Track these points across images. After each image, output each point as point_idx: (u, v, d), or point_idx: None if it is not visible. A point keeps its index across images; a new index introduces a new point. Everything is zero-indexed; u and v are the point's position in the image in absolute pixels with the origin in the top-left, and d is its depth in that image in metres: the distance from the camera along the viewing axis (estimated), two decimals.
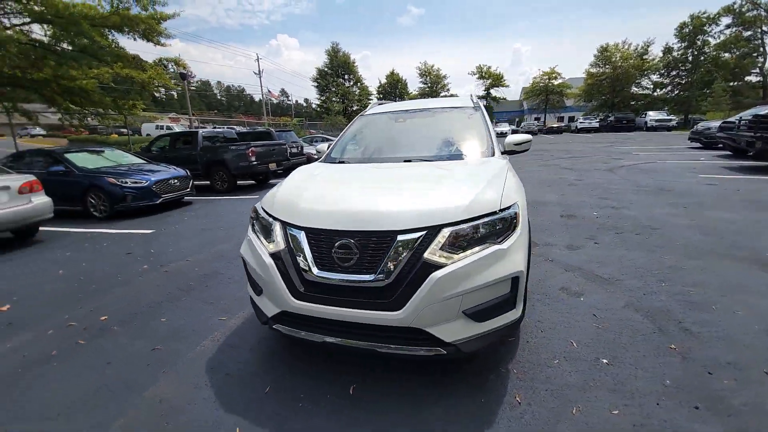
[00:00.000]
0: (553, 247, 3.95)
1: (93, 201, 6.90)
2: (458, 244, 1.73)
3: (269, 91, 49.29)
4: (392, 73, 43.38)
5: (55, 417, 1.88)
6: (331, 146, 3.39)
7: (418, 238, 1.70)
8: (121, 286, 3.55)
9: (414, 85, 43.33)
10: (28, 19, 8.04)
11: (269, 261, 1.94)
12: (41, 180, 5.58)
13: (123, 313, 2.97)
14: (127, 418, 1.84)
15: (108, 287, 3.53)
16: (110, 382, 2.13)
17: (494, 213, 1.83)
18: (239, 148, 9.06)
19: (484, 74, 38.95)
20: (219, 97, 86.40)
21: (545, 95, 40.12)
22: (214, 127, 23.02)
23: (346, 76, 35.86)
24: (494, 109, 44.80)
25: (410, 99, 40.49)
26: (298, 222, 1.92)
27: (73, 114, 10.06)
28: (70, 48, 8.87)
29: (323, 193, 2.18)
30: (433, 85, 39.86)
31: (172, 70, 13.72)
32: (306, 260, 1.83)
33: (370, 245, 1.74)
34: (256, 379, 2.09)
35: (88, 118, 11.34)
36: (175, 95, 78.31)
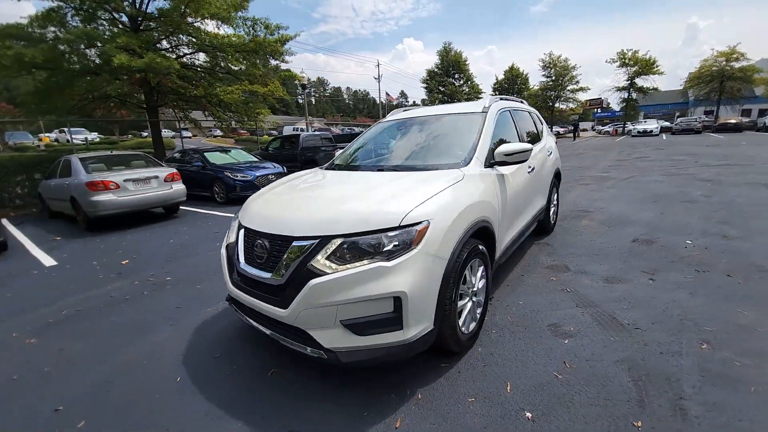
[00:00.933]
0: (585, 275, 3.31)
1: (216, 189, 8.90)
2: (346, 255, 1.78)
3: (387, 94, 52.44)
4: (512, 67, 40.28)
5: (106, 333, 2.73)
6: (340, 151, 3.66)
7: (310, 245, 1.83)
8: (194, 256, 4.63)
9: (536, 78, 39.44)
10: (190, 50, 10.85)
11: (222, 251, 2.36)
12: (190, 170, 7.60)
13: (182, 276, 3.92)
14: (146, 341, 2.53)
15: (189, 255, 4.65)
16: (140, 319, 2.93)
17: (391, 228, 1.80)
18: (328, 148, 10.24)
19: (627, 61, 32.18)
20: (347, 101, 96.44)
21: (719, 82, 30.72)
22: (316, 130, 25.95)
23: (456, 75, 35.08)
24: (640, 102, 36.85)
25: (530, 94, 37.08)
26: (242, 221, 2.28)
27: (221, 120, 13.05)
28: (218, 71, 11.54)
29: (272, 197, 2.49)
30: (559, 77, 35.05)
31: (306, 77, 16.31)
32: (237, 254, 2.17)
33: (275, 247, 1.96)
34: (217, 346, 2.55)
35: (233, 123, 14.45)
36: (313, 101, 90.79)
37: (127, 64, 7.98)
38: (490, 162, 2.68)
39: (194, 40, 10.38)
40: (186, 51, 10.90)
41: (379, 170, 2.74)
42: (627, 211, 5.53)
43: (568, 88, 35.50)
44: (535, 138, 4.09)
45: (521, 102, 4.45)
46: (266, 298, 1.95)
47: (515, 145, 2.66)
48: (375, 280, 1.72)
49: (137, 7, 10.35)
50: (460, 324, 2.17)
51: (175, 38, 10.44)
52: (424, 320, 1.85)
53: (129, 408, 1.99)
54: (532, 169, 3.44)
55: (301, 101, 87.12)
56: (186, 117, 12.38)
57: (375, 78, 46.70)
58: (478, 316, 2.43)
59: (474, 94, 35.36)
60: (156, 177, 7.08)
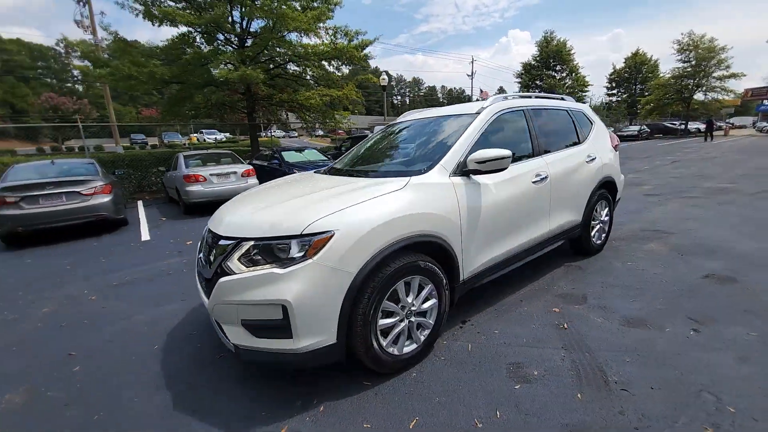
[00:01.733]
0: (601, 312, 2.68)
1: None
2: (254, 258, 1.85)
3: (481, 91, 50.10)
4: (636, 53, 33.94)
5: (138, 299, 3.38)
6: None
7: (229, 245, 1.96)
8: None
9: (669, 64, 32.21)
10: (281, 60, 12.22)
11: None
12: (270, 167, 8.70)
13: None
14: (157, 310, 3.08)
15: None
16: (166, 291, 3.51)
17: (293, 236, 1.80)
18: None
19: None
20: (441, 100, 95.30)
21: None
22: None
23: (558, 67, 30.98)
24: None
25: (658, 84, 30.57)
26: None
27: (306, 122, 14.43)
28: (303, 77, 12.76)
29: (238, 198, 2.69)
30: (700, 62, 27.54)
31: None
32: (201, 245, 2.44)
33: (211, 244, 2.14)
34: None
35: (317, 124, 15.82)
36: (408, 101, 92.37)
37: (226, 77, 9.48)
38: (463, 170, 2.41)
39: (285, 51, 11.67)
40: (279, 61, 12.34)
41: (349, 175, 2.72)
42: (723, 237, 4.23)
43: (714, 75, 27.93)
44: (569, 142, 3.47)
45: (562, 98, 3.83)
46: (203, 290, 2.16)
47: (489, 152, 2.33)
48: (266, 286, 1.75)
49: (243, 28, 12.16)
50: (385, 344, 2.03)
51: (269, 51, 11.93)
52: (320, 333, 1.80)
53: (108, 360, 2.44)
54: (543, 179, 2.93)
55: (396, 102, 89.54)
56: (278, 119, 14.03)
57: (468, 75, 45.15)
58: (422, 338, 2.23)
59: (579, 87, 30.94)
60: (235, 172, 8.28)
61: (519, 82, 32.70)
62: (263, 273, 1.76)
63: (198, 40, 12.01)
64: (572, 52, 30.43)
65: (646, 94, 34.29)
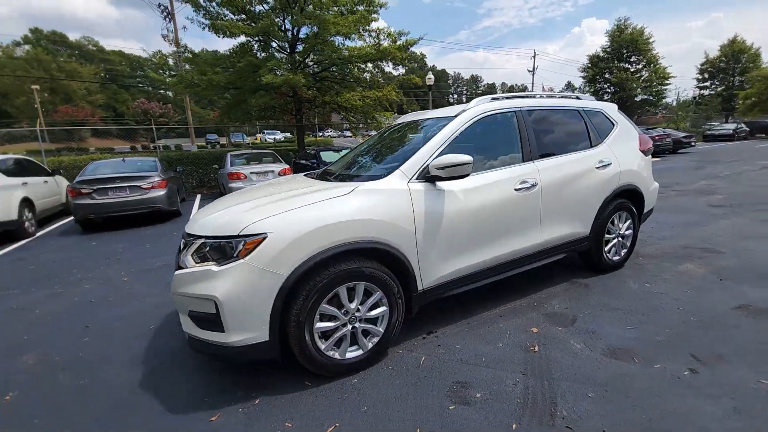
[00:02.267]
0: (586, 337, 2.39)
1: None
2: (203, 254, 2.00)
3: (543, 88, 46.88)
4: (734, 40, 28.90)
5: (159, 285, 3.83)
6: None
7: (188, 241, 2.14)
8: None
9: None
10: (326, 64, 12.70)
11: None
12: (309, 166, 9.23)
13: None
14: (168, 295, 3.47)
15: None
16: None
17: (232, 237, 1.91)
18: None
19: None
20: None
21: None
22: None
23: (632, 59, 27.32)
24: None
25: (760, 76, 25.61)
26: None
27: (350, 122, 14.86)
28: (347, 79, 13.13)
29: (222, 198, 2.88)
30: None
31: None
32: None
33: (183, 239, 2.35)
34: None
35: (360, 125, 16.18)
36: (465, 99, 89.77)
37: (272, 81, 10.16)
38: (427, 176, 2.32)
39: (329, 54, 12.14)
40: (326, 64, 12.88)
41: (325, 179, 2.77)
42: None
43: None
44: (576, 146, 3.14)
45: (577, 97, 3.47)
46: None
47: (448, 157, 2.22)
48: (203, 281, 1.88)
49: (293, 34, 12.88)
50: (323, 347, 2.05)
51: (316, 55, 12.50)
52: (251, 330, 1.88)
53: (111, 335, 2.81)
54: (530, 186, 2.69)
55: (452, 100, 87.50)
56: (326, 120, 14.64)
57: (529, 71, 42.68)
58: (369, 345, 2.20)
59: (658, 80, 27.16)
60: (272, 171, 8.85)
61: (584, 77, 29.73)
62: (203, 269, 1.90)
63: (256, 48, 13.01)
64: (651, 40, 26.72)
65: (746, 87, 29.06)
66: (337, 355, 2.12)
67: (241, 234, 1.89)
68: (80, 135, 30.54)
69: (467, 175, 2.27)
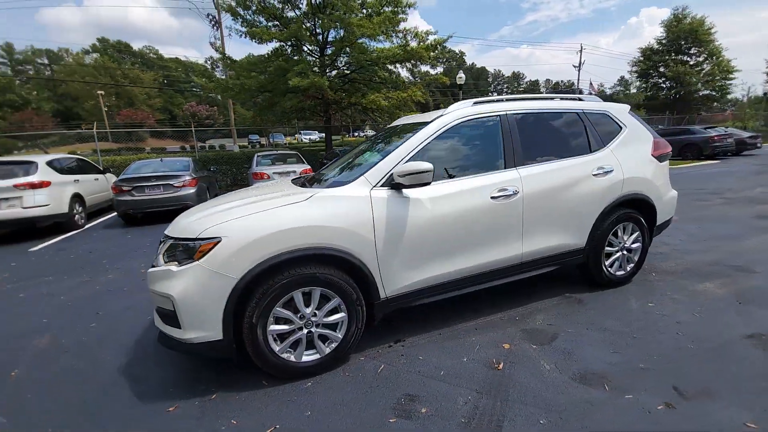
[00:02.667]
0: (559, 358, 2.23)
1: None
2: (171, 255, 2.14)
3: (591, 84, 43.98)
4: None
5: None
6: None
7: (163, 241, 2.29)
8: None
9: None
10: (353, 66, 12.89)
11: None
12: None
13: None
14: None
15: None
16: None
17: (192, 239, 2.02)
18: None
19: None
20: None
21: None
22: None
23: (692, 50, 24.50)
24: None
25: None
26: None
27: (377, 122, 14.98)
28: (375, 80, 13.23)
29: (207, 202, 3.03)
30: None
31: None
32: None
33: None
34: None
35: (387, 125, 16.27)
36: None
37: (298, 84, 10.52)
38: (392, 183, 2.29)
39: (356, 55, 12.33)
40: (354, 66, 13.09)
41: (302, 185, 2.81)
42: None
43: None
44: (572, 151, 2.93)
45: (579, 98, 3.25)
46: None
47: (411, 165, 2.18)
48: (164, 280, 2.01)
49: (323, 39, 13.22)
50: (277, 349, 2.10)
51: (344, 57, 12.75)
52: (205, 328, 1.97)
53: (115, 324, 3.07)
54: (510, 195, 2.55)
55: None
56: (353, 121, 14.89)
57: (574, 66, 40.35)
58: (327, 350, 2.22)
59: (721, 74, 24.24)
60: (294, 171, 9.13)
61: (635, 71, 27.33)
62: (165, 269, 2.03)
63: (289, 52, 13.52)
64: (712, 30, 23.86)
65: None
66: (292, 358, 2.16)
67: (198, 237, 1.99)
68: (140, 136, 33.65)
69: (428, 183, 2.21)
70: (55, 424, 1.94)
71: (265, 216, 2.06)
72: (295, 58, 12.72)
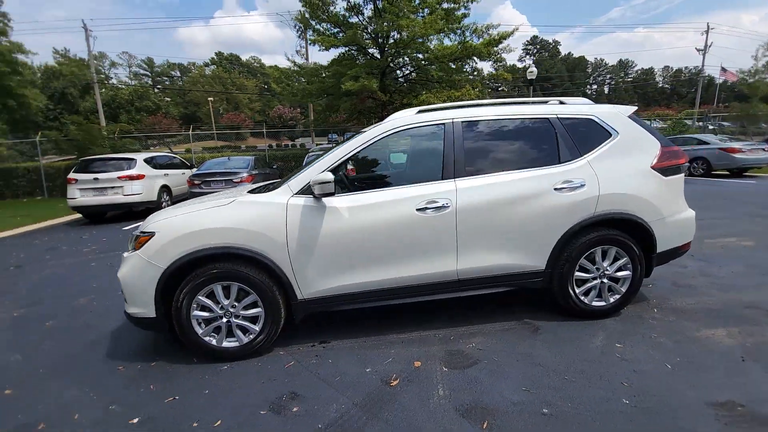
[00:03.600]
0: (458, 383, 2.08)
1: None
2: (130, 243, 2.60)
3: (723, 70, 35.85)
4: None
5: None
6: None
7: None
8: None
9: None
10: (410, 67, 12.92)
11: None
12: None
13: None
14: None
15: None
16: None
17: (140, 232, 2.45)
18: None
19: None
20: (661, 85, 72.99)
21: None
22: None
23: None
24: None
25: None
26: None
27: None
28: (431, 79, 13.09)
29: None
30: None
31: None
32: None
33: None
34: None
35: None
36: (607, 90, 75.94)
37: (350, 88, 11.05)
38: (311, 191, 2.41)
39: (412, 55, 12.39)
40: (410, 68, 13.18)
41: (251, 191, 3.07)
42: None
43: None
44: (534, 162, 2.63)
45: (560, 102, 2.89)
46: None
47: (322, 175, 2.28)
48: (122, 263, 2.48)
49: (383, 41, 13.56)
50: (200, 332, 2.41)
51: (399, 59, 12.90)
52: (142, 306, 2.37)
53: (110, 306, 3.80)
54: (440, 207, 2.43)
55: (589, 91, 75.01)
56: None
57: (698, 50, 33.84)
58: (245, 339, 2.46)
59: None
60: None
61: None
62: (124, 254, 2.51)
63: (354, 55, 14.25)
64: None
65: None
66: (214, 342, 2.45)
67: (142, 231, 2.42)
68: (241, 135, 38.96)
69: (332, 193, 2.28)
70: (47, 365, 2.57)
71: (190, 217, 2.39)
72: (356, 61, 13.34)
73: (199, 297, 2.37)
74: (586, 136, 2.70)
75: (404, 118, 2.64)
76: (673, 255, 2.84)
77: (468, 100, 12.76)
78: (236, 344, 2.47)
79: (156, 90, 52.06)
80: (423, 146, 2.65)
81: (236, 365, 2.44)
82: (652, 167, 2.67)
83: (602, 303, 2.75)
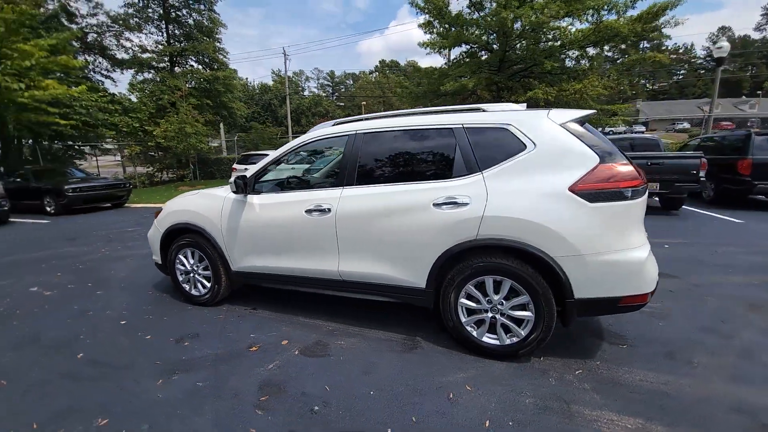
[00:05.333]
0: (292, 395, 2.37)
1: None
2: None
3: None
4: None
5: None
6: None
7: None
8: None
9: None
10: (529, 63, 11.56)
11: None
12: None
13: None
14: None
15: None
16: None
17: (159, 208, 3.74)
18: None
19: None
20: None
21: None
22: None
23: None
24: None
25: None
26: None
27: None
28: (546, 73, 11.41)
29: None
30: None
31: None
32: None
33: None
34: None
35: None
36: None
37: (448, 89, 11.00)
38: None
39: (530, 47, 11.18)
40: (529, 62, 11.87)
41: None
42: None
43: None
44: (424, 174, 2.52)
45: (481, 109, 2.64)
46: None
47: (232, 179, 2.94)
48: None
49: (506, 34, 12.67)
50: (181, 279, 3.50)
51: (511, 53, 11.79)
52: (156, 255, 3.63)
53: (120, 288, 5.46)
54: (323, 211, 2.68)
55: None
56: None
57: None
58: (203, 291, 3.40)
59: None
60: None
61: None
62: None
63: (478, 53, 14.00)
64: None
65: None
66: (194, 291, 3.49)
67: (158, 206, 3.68)
68: None
69: (244, 192, 2.91)
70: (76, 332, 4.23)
71: (177, 200, 3.49)
72: (467, 60, 13.00)
73: (180, 256, 3.44)
74: (495, 149, 2.36)
75: (321, 130, 2.98)
76: (609, 307, 2.15)
77: (590, 91, 10.59)
78: (204, 292, 3.41)
79: (326, 97, 63.16)
80: (333, 155, 2.92)
81: (198, 309, 3.42)
82: (571, 189, 2.11)
83: (495, 342, 2.37)
